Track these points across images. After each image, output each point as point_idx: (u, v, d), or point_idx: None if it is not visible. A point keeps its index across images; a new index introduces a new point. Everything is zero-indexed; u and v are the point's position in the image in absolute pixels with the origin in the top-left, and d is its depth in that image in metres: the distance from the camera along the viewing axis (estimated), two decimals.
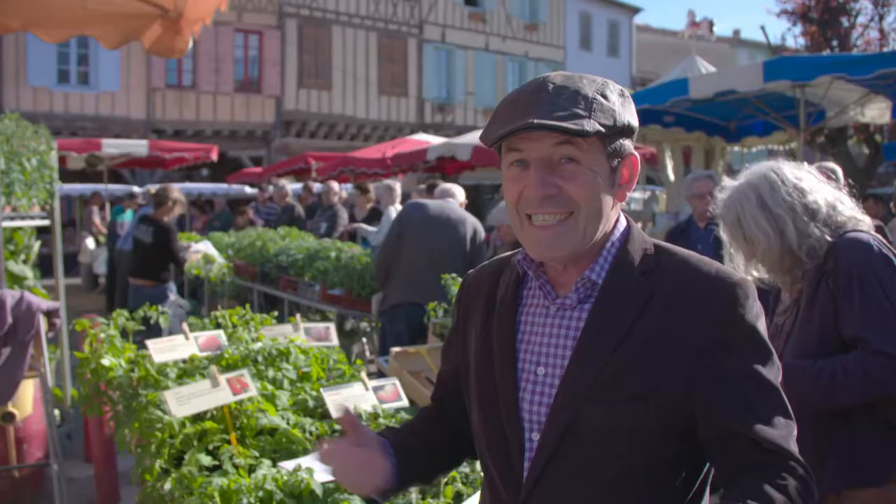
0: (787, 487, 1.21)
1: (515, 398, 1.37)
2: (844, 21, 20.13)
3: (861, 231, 2.29)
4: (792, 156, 12.90)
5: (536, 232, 1.32)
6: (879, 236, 2.31)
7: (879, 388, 2.15)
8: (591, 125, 1.24)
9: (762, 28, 38.08)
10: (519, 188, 1.32)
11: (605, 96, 1.30)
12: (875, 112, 9.03)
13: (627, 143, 1.35)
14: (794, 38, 21.18)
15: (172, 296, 7.40)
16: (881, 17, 20.24)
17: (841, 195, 2.39)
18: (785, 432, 1.26)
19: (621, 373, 1.27)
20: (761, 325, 1.30)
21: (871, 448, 2.22)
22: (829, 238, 2.28)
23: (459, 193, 5.69)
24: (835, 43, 19.94)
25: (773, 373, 1.30)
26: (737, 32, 39.49)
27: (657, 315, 1.29)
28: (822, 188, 2.37)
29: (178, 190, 7.51)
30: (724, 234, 2.47)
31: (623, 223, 1.41)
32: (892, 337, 2.12)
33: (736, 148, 12.01)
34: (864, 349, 2.15)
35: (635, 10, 34.94)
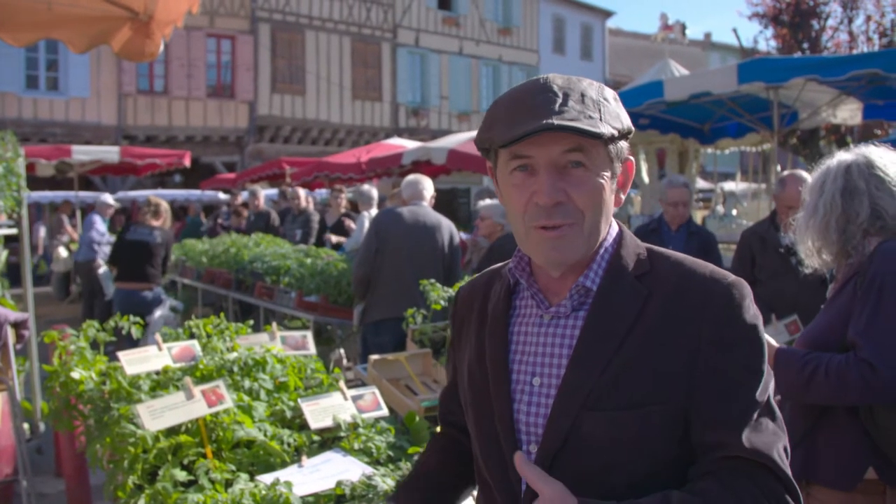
0: (744, 492, 1.19)
1: (510, 410, 1.34)
2: (815, 24, 20.44)
3: None
4: (765, 157, 13.04)
5: (546, 234, 1.27)
6: None
7: (851, 394, 2.14)
8: (605, 128, 1.22)
9: (734, 31, 38.48)
10: (526, 195, 1.28)
11: (606, 99, 1.28)
12: (846, 113, 9.15)
13: (625, 147, 1.33)
14: (765, 40, 21.47)
15: (168, 300, 7.71)
16: (850, 20, 20.60)
17: None
18: (770, 439, 1.23)
19: (619, 380, 1.24)
20: (757, 326, 1.27)
21: (842, 452, 2.22)
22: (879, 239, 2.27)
23: (428, 188, 5.60)
24: (805, 45, 20.22)
25: (766, 374, 1.27)
26: (708, 35, 39.94)
27: (653, 319, 1.26)
28: None
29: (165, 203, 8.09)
30: (805, 197, 2.48)
31: (615, 228, 1.39)
32: (884, 350, 2.10)
33: (710, 150, 12.11)
34: (855, 354, 2.15)
35: (608, 14, 35.21)
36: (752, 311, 1.27)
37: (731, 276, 1.29)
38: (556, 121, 1.19)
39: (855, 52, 19.05)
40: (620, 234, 1.38)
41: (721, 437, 1.21)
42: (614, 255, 1.34)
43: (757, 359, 1.25)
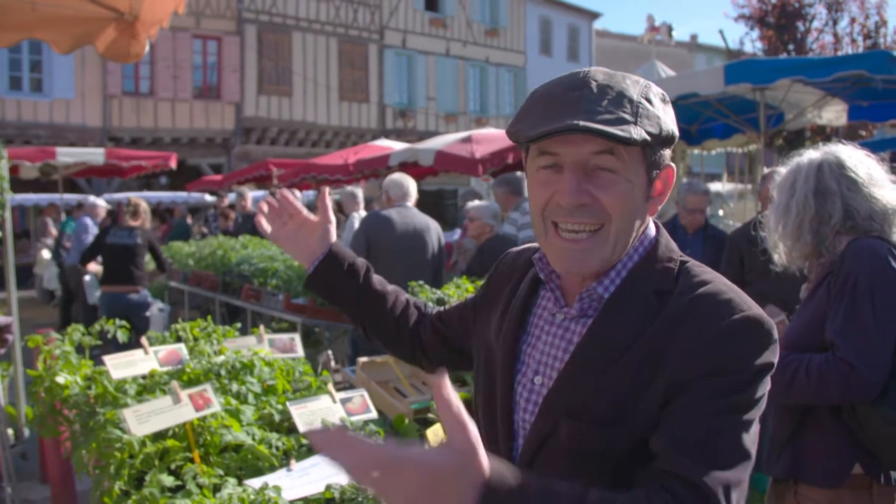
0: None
1: (509, 403, 1.34)
2: (800, 25, 20.58)
3: (880, 239, 2.26)
4: (750, 158, 13.10)
5: (564, 244, 1.22)
6: None
7: (832, 394, 2.16)
8: (637, 132, 1.14)
9: (721, 32, 38.58)
10: (548, 193, 1.22)
11: (649, 100, 1.20)
12: (832, 114, 9.21)
13: (667, 154, 1.25)
14: (751, 42, 21.60)
15: (153, 301, 7.62)
16: (835, 22, 20.76)
17: None
18: (724, 475, 1.08)
19: (601, 394, 1.19)
20: (758, 366, 1.14)
21: (828, 449, 2.25)
22: (848, 239, 2.28)
23: (412, 187, 5.59)
24: (791, 47, 20.35)
25: (749, 414, 1.13)
26: (694, 37, 40.09)
27: (656, 338, 1.18)
28: (882, 187, 2.33)
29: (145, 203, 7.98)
30: (773, 194, 2.48)
31: (650, 236, 1.31)
32: (861, 349, 2.13)
33: (696, 150, 12.15)
34: (833, 354, 2.17)
35: (594, 15, 35.30)
36: (757, 349, 1.14)
37: (752, 311, 1.17)
38: (582, 122, 1.12)
39: (840, 53, 19.20)
40: (655, 244, 1.30)
41: (671, 455, 1.10)
42: (639, 264, 1.27)
43: (742, 397, 1.13)
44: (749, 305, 1.18)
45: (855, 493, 2.22)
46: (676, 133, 1.24)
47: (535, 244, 1.48)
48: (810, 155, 2.42)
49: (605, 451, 1.18)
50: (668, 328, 1.18)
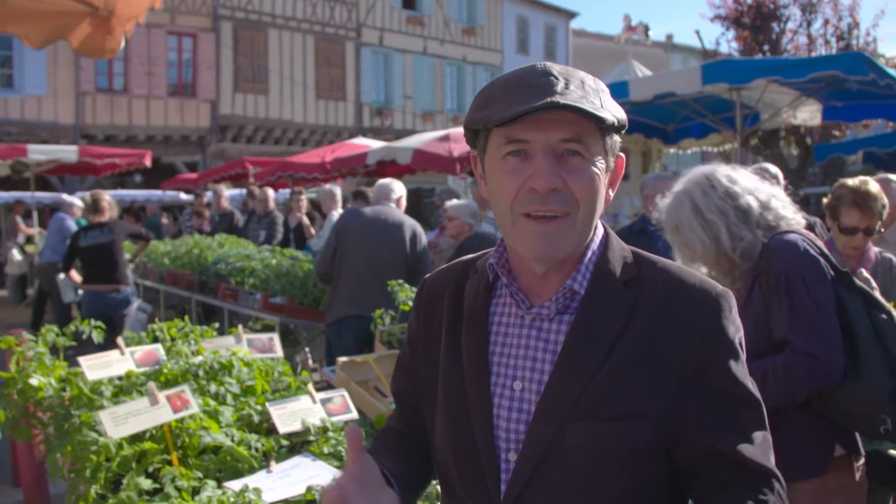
0: (767, 503, 1.18)
1: (490, 415, 1.27)
2: (775, 26, 20.79)
3: (792, 232, 2.36)
4: (726, 157, 13.21)
5: (536, 227, 1.20)
6: (811, 236, 2.40)
7: (804, 387, 2.23)
8: (607, 114, 1.17)
9: (697, 32, 38.86)
10: (518, 181, 1.20)
11: (603, 90, 1.24)
12: (806, 115, 9.32)
13: (619, 142, 1.28)
14: (727, 42, 21.79)
15: (135, 301, 7.44)
16: (809, 24, 20.97)
17: (775, 193, 2.46)
18: (764, 449, 1.22)
19: (605, 390, 1.20)
20: (741, 339, 1.26)
21: (807, 442, 2.30)
22: (762, 240, 2.36)
23: (397, 189, 5.58)
24: (766, 48, 20.56)
25: (752, 384, 1.26)
26: (670, 37, 40.40)
27: (641, 329, 1.22)
28: (755, 189, 2.43)
29: (107, 194, 7.69)
30: (667, 236, 2.56)
31: (601, 230, 1.33)
32: (815, 338, 2.20)
33: (672, 150, 12.23)
34: (791, 350, 2.23)
35: (571, 15, 35.45)
36: (738, 323, 1.26)
37: (719, 287, 1.27)
38: (561, 100, 1.14)
39: (814, 54, 19.43)
40: (606, 237, 1.33)
41: (721, 450, 1.20)
42: (601, 257, 1.29)
43: (743, 371, 1.24)
44: (713, 283, 1.28)
45: (838, 474, 2.29)
46: (626, 122, 1.27)
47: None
48: (685, 185, 2.49)
49: (623, 448, 1.19)
50: (654, 316, 1.23)
